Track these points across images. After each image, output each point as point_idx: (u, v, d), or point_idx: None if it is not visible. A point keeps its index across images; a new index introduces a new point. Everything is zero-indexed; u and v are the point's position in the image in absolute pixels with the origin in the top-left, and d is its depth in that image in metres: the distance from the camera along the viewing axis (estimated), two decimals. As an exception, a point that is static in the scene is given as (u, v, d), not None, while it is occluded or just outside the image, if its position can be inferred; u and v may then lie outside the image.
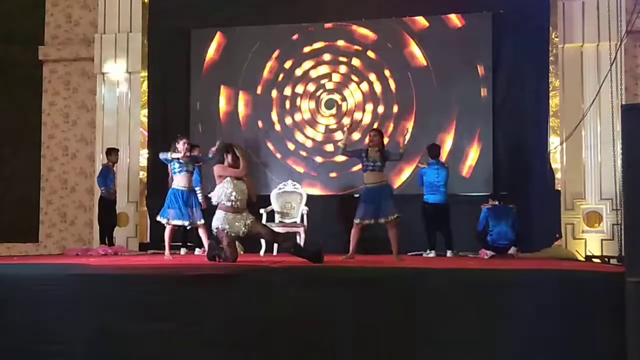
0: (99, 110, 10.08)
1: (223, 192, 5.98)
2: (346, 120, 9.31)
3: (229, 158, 6.12)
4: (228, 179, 6.01)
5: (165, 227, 7.40)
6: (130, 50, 9.97)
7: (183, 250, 8.56)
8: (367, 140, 7.32)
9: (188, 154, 7.43)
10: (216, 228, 6.04)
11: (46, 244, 10.60)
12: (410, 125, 9.13)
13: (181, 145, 7.33)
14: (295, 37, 9.84)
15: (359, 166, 7.47)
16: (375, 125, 8.96)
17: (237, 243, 9.27)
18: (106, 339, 4.88)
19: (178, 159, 7.33)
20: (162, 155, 7.45)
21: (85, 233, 10.36)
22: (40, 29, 10.84)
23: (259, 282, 4.97)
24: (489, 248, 7.86)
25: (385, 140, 7.72)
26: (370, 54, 9.61)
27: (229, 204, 5.98)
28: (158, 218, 7.45)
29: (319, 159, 9.61)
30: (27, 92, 10.79)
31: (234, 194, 5.95)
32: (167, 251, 7.37)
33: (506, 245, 7.88)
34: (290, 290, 4.83)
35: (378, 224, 6.93)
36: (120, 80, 10.05)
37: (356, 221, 6.96)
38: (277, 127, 9.80)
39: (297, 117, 9.76)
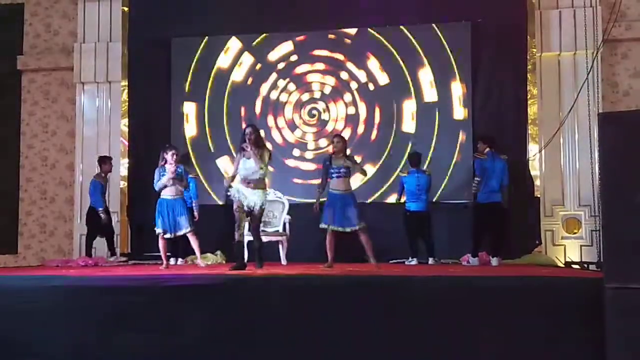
0: (79, 120, 10.01)
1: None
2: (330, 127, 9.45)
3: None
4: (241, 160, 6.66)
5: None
6: (110, 59, 9.93)
7: (173, 260, 8.45)
8: (330, 148, 7.34)
9: (174, 166, 7.31)
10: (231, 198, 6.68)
11: (25, 255, 10.46)
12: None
13: (169, 156, 7.24)
14: (276, 46, 9.83)
15: None
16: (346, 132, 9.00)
17: (218, 252, 9.26)
18: (87, 351, 4.84)
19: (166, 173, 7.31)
20: (156, 184, 7.34)
21: (65, 244, 10.25)
22: (19, 39, 10.75)
23: (241, 292, 4.97)
24: (481, 206, 7.77)
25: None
26: (350, 63, 9.63)
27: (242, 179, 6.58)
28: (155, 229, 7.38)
29: (303, 167, 9.59)
30: (5, 102, 10.68)
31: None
32: (164, 262, 7.26)
33: (498, 202, 7.79)
34: (272, 299, 4.84)
35: (346, 233, 6.99)
36: (100, 89, 9.99)
37: (322, 225, 7.04)
38: (262, 134, 9.74)
39: (281, 124, 9.73)
